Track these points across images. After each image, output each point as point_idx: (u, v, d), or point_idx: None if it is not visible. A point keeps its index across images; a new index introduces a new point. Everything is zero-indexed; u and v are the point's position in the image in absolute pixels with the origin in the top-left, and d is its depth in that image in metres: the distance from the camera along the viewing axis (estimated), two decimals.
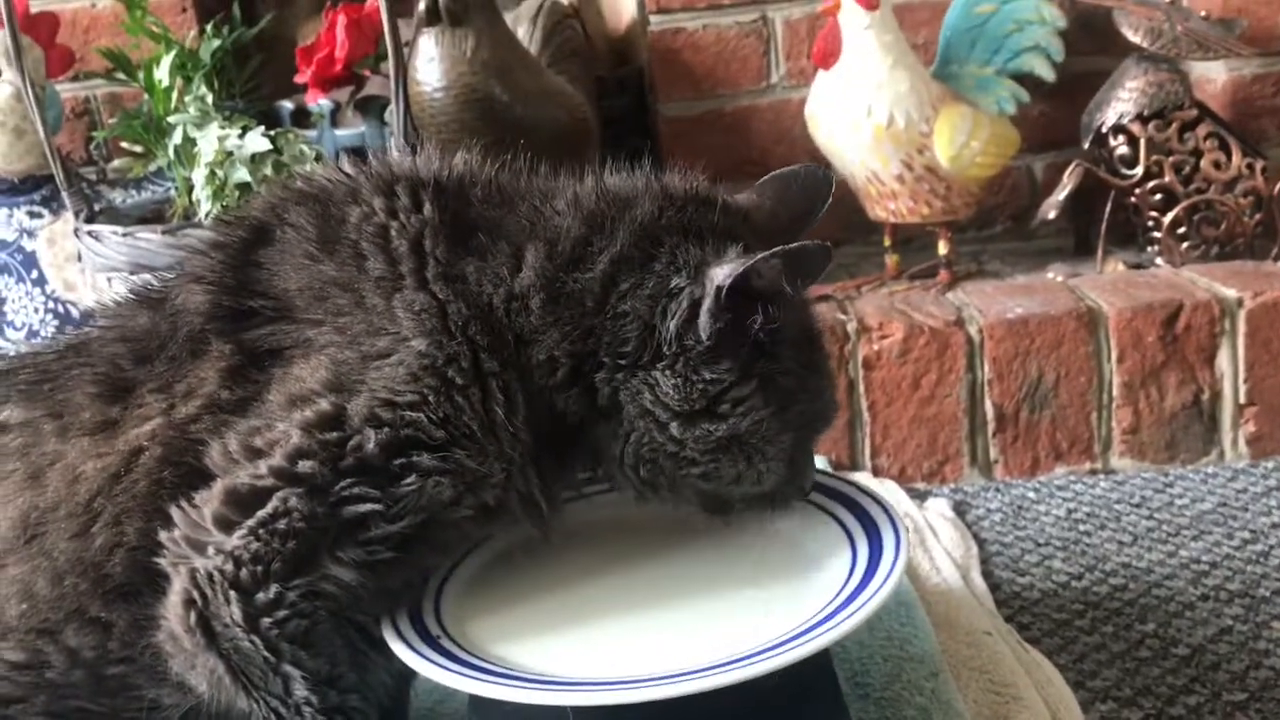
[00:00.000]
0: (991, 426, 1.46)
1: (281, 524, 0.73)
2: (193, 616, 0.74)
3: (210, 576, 0.73)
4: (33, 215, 1.78)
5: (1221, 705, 1.02)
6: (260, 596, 0.73)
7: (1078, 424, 1.46)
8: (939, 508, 1.39)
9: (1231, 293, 1.46)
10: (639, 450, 0.81)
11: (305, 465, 0.74)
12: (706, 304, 0.77)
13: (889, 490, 1.43)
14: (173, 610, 0.75)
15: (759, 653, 0.72)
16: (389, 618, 0.81)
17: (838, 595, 0.77)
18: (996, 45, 1.82)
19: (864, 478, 1.46)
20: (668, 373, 0.78)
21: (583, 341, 0.79)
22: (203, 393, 0.77)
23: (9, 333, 1.78)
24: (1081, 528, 1.33)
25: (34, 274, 1.78)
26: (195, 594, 0.74)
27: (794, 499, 0.86)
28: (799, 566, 0.84)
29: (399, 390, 0.75)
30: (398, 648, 0.77)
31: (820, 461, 1.44)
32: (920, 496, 1.44)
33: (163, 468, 0.76)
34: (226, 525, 0.74)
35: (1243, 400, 1.46)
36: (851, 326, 1.47)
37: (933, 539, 1.30)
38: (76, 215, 1.65)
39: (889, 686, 0.96)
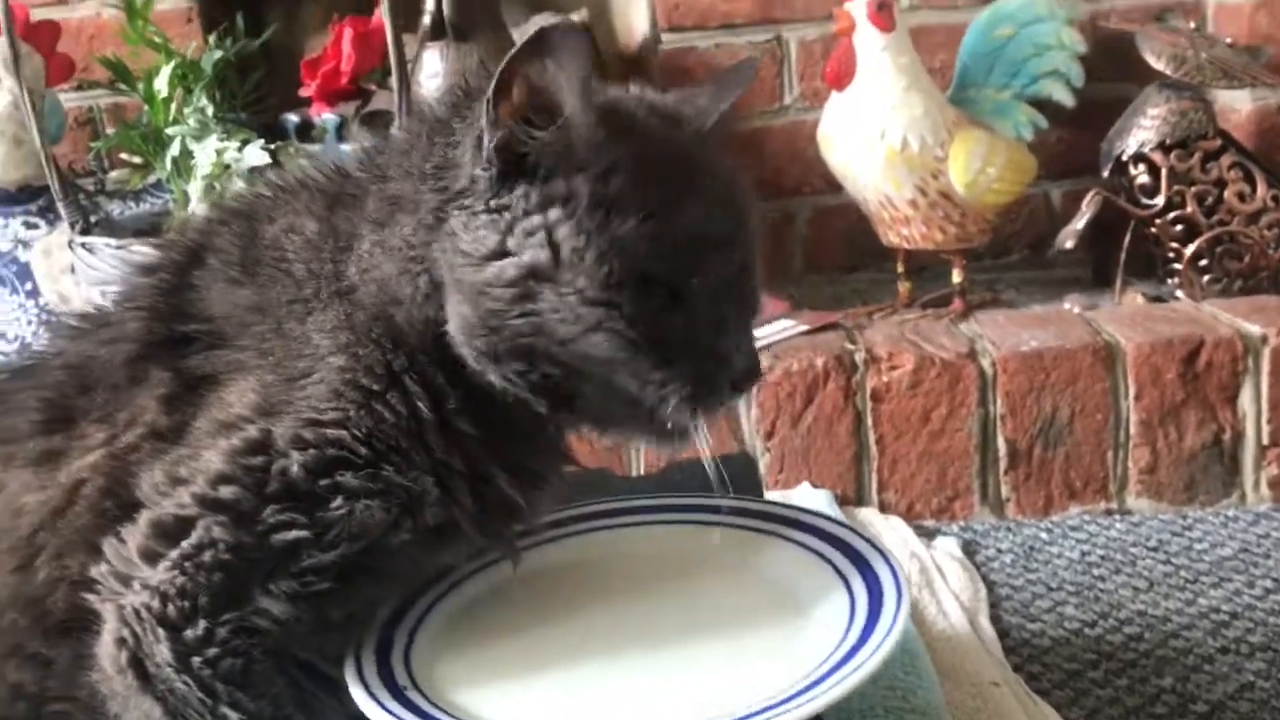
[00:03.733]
0: (1004, 463, 1.42)
1: (207, 555, 0.70)
2: (124, 656, 0.71)
3: (138, 613, 0.70)
4: (28, 226, 1.75)
5: None
6: (189, 634, 0.70)
7: (1093, 462, 1.41)
8: (947, 547, 1.34)
9: (1255, 329, 1.41)
10: (460, 317, 0.72)
11: (228, 491, 0.71)
12: (482, 122, 0.71)
13: (895, 527, 1.39)
14: (105, 650, 0.71)
15: (751, 715, 0.67)
16: (353, 662, 0.77)
17: (836, 650, 0.73)
18: (1015, 69, 1.77)
19: (870, 514, 1.41)
20: (460, 214, 0.72)
21: (425, 250, 0.74)
22: (143, 421, 0.75)
23: (1, 344, 1.75)
24: (1095, 571, 1.28)
25: (28, 285, 1.75)
26: (125, 633, 0.70)
27: (710, 381, 0.73)
28: (791, 616, 0.80)
29: (321, 409, 0.73)
30: (360, 698, 0.73)
31: (825, 497, 1.40)
32: (928, 535, 1.39)
33: (104, 499, 0.73)
34: (152, 558, 0.71)
35: (1266, 441, 1.41)
36: (860, 357, 1.42)
37: (940, 581, 1.25)
38: (72, 227, 1.62)
39: None
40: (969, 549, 1.35)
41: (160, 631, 0.70)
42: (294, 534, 0.71)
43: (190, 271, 0.79)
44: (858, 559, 0.82)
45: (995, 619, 1.20)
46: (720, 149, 0.79)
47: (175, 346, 0.77)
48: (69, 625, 0.73)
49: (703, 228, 0.72)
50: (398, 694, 0.73)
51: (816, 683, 0.70)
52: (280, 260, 0.77)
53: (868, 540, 0.83)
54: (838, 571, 0.82)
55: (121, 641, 0.71)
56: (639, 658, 0.78)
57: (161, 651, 0.70)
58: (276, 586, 0.71)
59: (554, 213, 0.70)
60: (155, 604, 0.70)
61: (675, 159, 0.74)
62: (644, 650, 0.78)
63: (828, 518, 0.88)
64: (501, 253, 0.71)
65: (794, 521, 0.88)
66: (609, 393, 0.74)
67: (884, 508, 1.43)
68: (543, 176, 0.71)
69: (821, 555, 0.84)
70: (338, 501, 0.72)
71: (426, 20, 1.66)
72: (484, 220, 0.71)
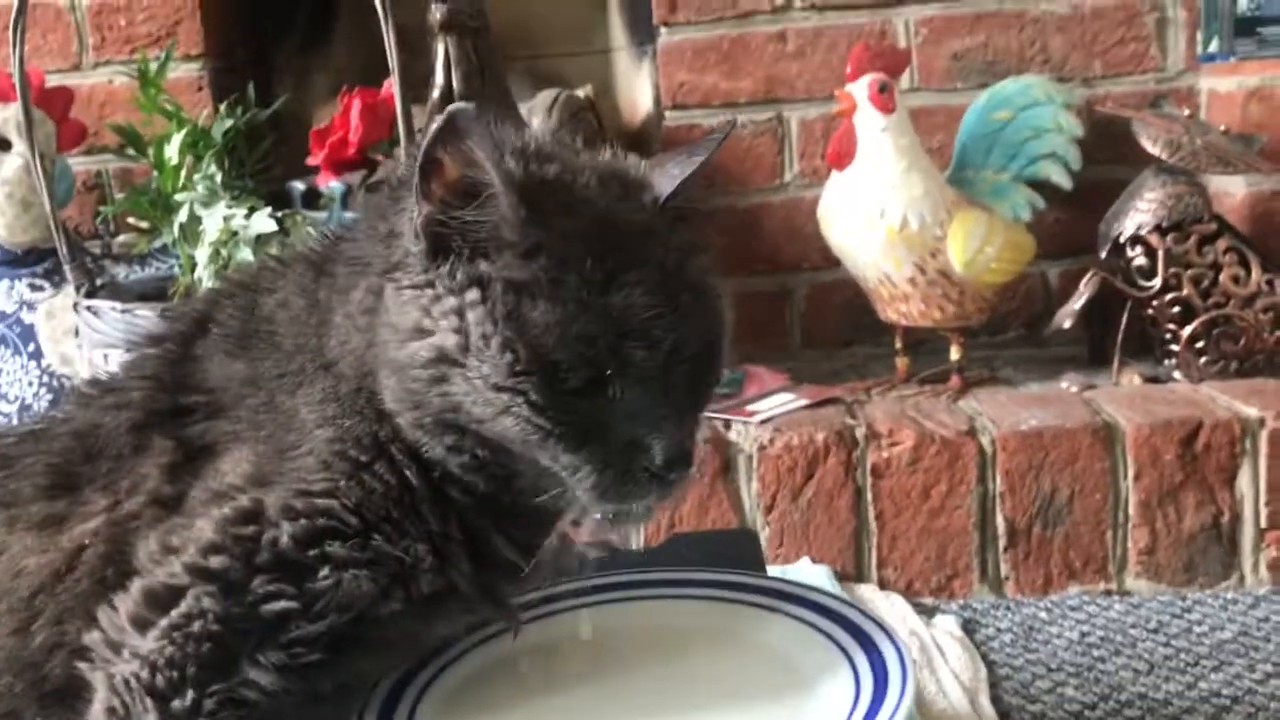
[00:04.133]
0: (1003, 541, 1.42)
1: (196, 626, 0.70)
2: None
3: (127, 683, 0.70)
4: (34, 288, 1.76)
5: None
6: (177, 704, 0.70)
7: (1092, 542, 1.41)
8: (947, 626, 1.33)
9: (1253, 412, 1.43)
10: (390, 389, 0.72)
11: (217, 561, 0.71)
12: (412, 197, 0.70)
13: (895, 604, 1.38)
14: None
15: None
16: None
17: None
18: (1013, 151, 1.80)
19: (869, 590, 1.41)
20: (391, 287, 0.72)
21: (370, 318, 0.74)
22: (145, 489, 0.75)
23: (2, 405, 1.75)
24: (1095, 653, 1.28)
25: (31, 347, 1.75)
26: (115, 702, 0.70)
27: (651, 475, 0.70)
28: (795, 693, 0.79)
29: (311, 480, 0.73)
30: None
31: (824, 573, 1.40)
32: (928, 612, 1.38)
33: (105, 565, 0.74)
34: (142, 626, 0.71)
35: (1264, 524, 1.41)
36: (861, 432, 1.43)
37: (940, 659, 1.25)
38: (77, 289, 1.63)
39: None
40: (969, 628, 1.35)
41: (149, 701, 0.69)
42: (282, 604, 0.71)
43: (194, 342, 0.81)
44: (862, 637, 0.82)
45: (996, 699, 1.20)
46: (675, 220, 0.75)
47: (178, 416, 0.78)
48: (65, 694, 0.73)
49: (627, 316, 0.69)
50: None
51: None
52: (272, 334, 0.78)
53: (873, 619, 0.83)
54: (842, 650, 0.81)
55: (111, 711, 0.70)
56: None
57: None
58: (265, 658, 0.71)
59: (470, 295, 0.70)
60: (144, 674, 0.70)
61: (610, 241, 0.71)
62: None
63: (833, 595, 0.88)
64: (420, 331, 0.71)
65: (799, 598, 0.88)
66: (541, 471, 0.72)
67: (883, 584, 1.43)
68: (468, 257, 0.70)
69: (826, 633, 0.84)
70: (325, 571, 0.72)
71: (435, 93, 1.68)
72: (409, 296, 0.71)
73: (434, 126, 0.67)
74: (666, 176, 0.77)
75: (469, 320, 0.69)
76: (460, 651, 0.86)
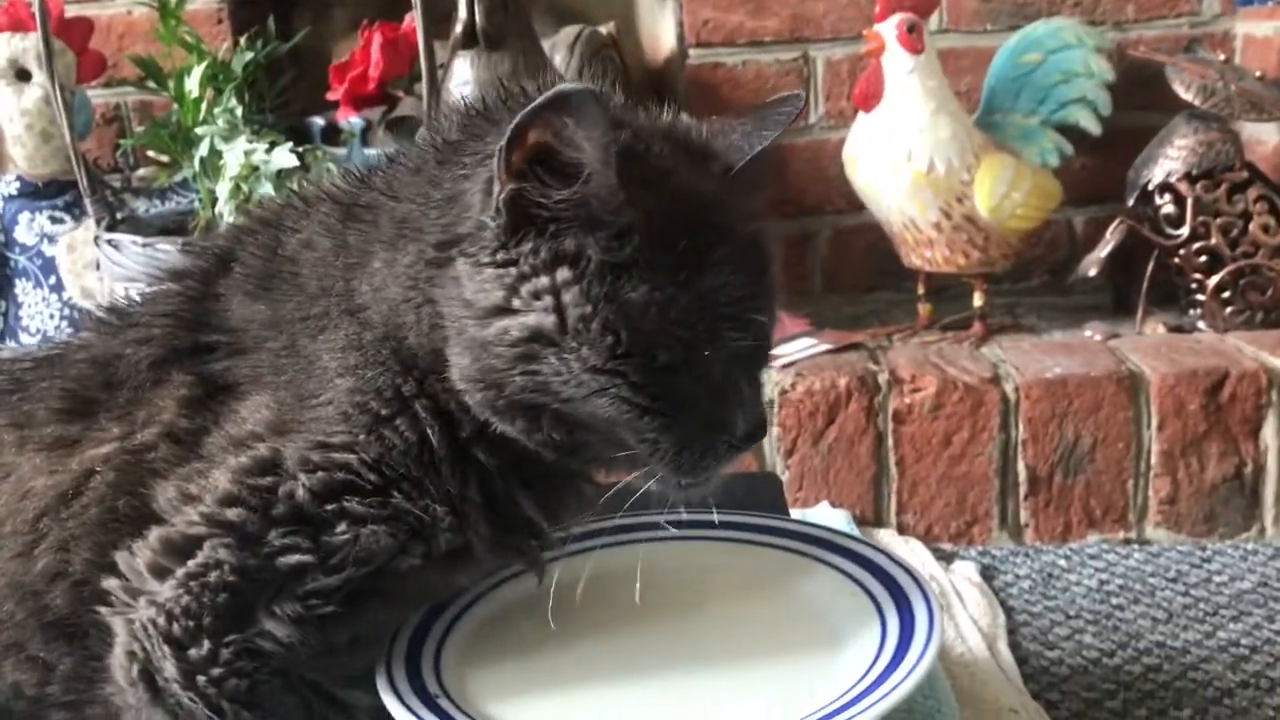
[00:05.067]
0: (1023, 489, 1.41)
1: (212, 576, 0.69)
2: (135, 670, 0.70)
3: (146, 629, 0.70)
4: (54, 220, 1.76)
5: None
6: (194, 652, 0.69)
7: (1113, 491, 1.41)
8: (966, 572, 1.33)
9: None
10: (462, 367, 0.69)
11: (234, 513, 0.70)
12: (495, 170, 0.67)
13: (914, 550, 1.38)
14: (117, 663, 0.71)
15: None
16: (384, 670, 0.76)
17: (865, 676, 0.73)
18: (1042, 96, 1.78)
19: (888, 535, 1.41)
20: (465, 262, 0.68)
21: (428, 285, 0.71)
22: (161, 420, 0.74)
23: (23, 337, 1.75)
24: (1114, 601, 1.28)
25: (52, 279, 1.75)
26: (135, 646, 0.70)
27: (717, 445, 0.71)
28: (823, 640, 0.79)
29: (330, 432, 0.72)
30: (391, 705, 0.72)
31: (843, 517, 1.40)
32: (946, 558, 1.39)
33: (116, 495, 0.73)
34: (160, 574, 0.70)
35: None
36: (883, 378, 1.42)
37: (959, 605, 1.25)
38: (98, 223, 1.62)
39: None
40: (987, 574, 1.35)
41: (166, 649, 0.69)
42: (298, 557, 0.70)
43: (217, 279, 0.79)
44: (891, 584, 0.81)
45: (1014, 645, 1.20)
46: (750, 191, 0.74)
47: (198, 353, 0.77)
48: (69, 629, 0.72)
49: (719, 296, 0.68)
50: (429, 702, 0.73)
51: (843, 709, 0.70)
52: (295, 275, 0.76)
53: (901, 564, 0.83)
54: (870, 596, 0.81)
55: (132, 655, 0.70)
56: (672, 673, 0.77)
57: (168, 668, 0.69)
58: (281, 609, 0.70)
59: (562, 274, 0.67)
60: (161, 621, 0.69)
61: (698, 217, 0.68)
62: (670, 668, 0.78)
63: (862, 540, 0.87)
64: (506, 310, 0.68)
65: (824, 541, 0.88)
66: (612, 444, 0.71)
67: (902, 529, 1.43)
68: (553, 234, 0.67)
69: (853, 578, 0.83)
70: (343, 526, 0.71)
71: (458, 29, 1.66)
72: (489, 274, 0.68)
73: (536, 102, 0.64)
74: (733, 147, 0.74)
75: (565, 301, 0.67)
76: (484, 591, 0.86)
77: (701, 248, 0.68)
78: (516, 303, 0.67)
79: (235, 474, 0.71)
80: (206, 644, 0.70)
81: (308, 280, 0.76)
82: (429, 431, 0.72)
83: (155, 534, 0.71)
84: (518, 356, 0.67)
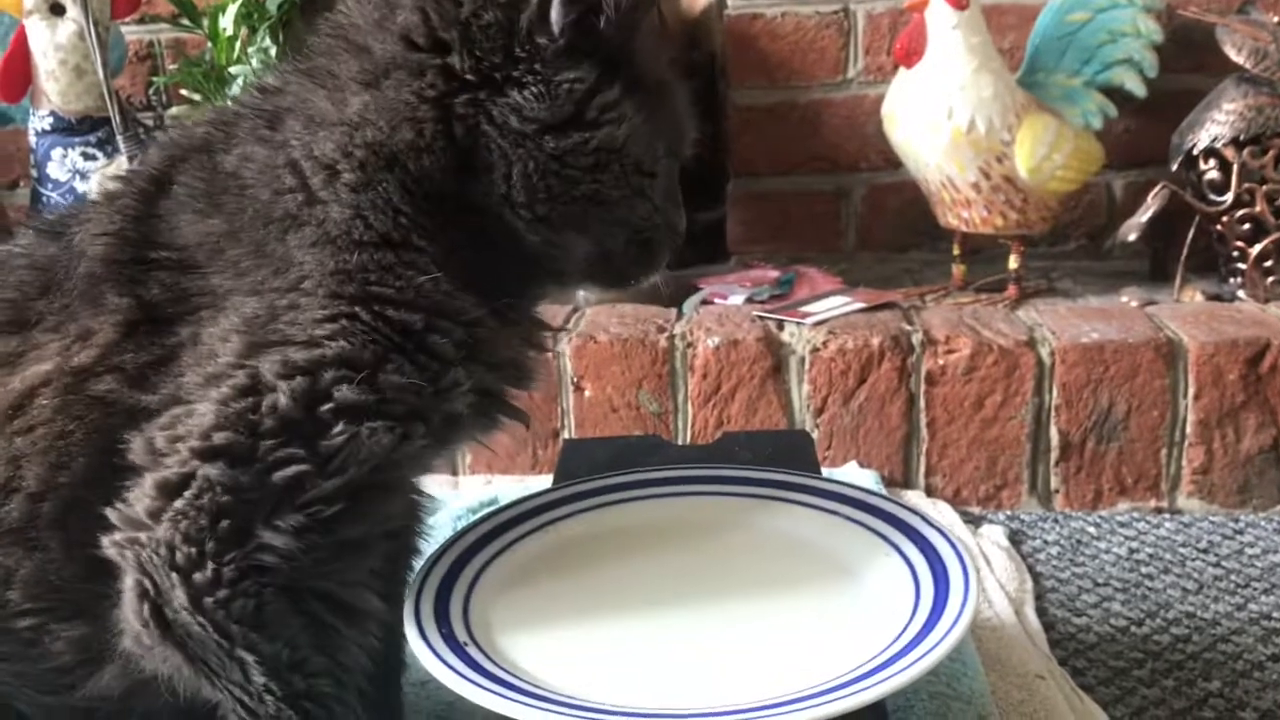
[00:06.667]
0: (1055, 454, 1.40)
1: (206, 499, 0.70)
2: (146, 608, 0.71)
3: (152, 561, 0.70)
4: (87, 157, 1.75)
5: None
6: (198, 576, 0.70)
7: (1145, 459, 1.39)
8: (994, 536, 1.32)
9: None
10: (526, 181, 0.77)
11: (220, 437, 0.70)
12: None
13: (942, 512, 1.38)
14: (129, 607, 0.72)
15: (812, 696, 0.66)
16: (414, 619, 0.76)
17: (899, 638, 0.72)
18: (1087, 56, 1.74)
19: (916, 496, 1.40)
20: (529, 82, 0.76)
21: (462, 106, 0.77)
22: (97, 342, 0.74)
23: None
24: (1144, 569, 1.27)
25: None
26: (147, 583, 0.71)
27: (671, 244, 0.84)
28: (858, 601, 0.79)
29: (317, 320, 0.72)
30: (422, 654, 0.72)
31: (871, 478, 1.39)
32: (974, 521, 1.38)
33: (65, 421, 0.73)
34: (157, 515, 0.71)
35: None
36: (917, 338, 1.41)
37: (986, 569, 1.24)
38: (131, 161, 1.62)
39: None
40: (1015, 538, 1.34)
41: (174, 576, 0.70)
42: (294, 469, 0.70)
43: (156, 201, 0.79)
44: (925, 546, 0.81)
45: (1041, 611, 1.19)
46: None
47: (138, 268, 0.76)
48: (26, 538, 0.73)
49: (685, 110, 0.84)
50: (459, 650, 0.73)
51: (876, 670, 0.69)
52: (244, 188, 0.77)
53: (937, 528, 0.82)
54: (904, 558, 0.81)
55: (143, 593, 0.71)
56: (704, 630, 0.77)
57: (178, 595, 0.70)
58: (283, 522, 0.70)
59: (617, 89, 0.77)
60: (164, 552, 0.70)
61: (661, 42, 0.86)
62: (710, 623, 0.78)
63: (896, 501, 0.87)
64: (580, 123, 0.76)
65: (861, 503, 0.87)
66: (598, 246, 0.81)
67: (930, 491, 1.42)
68: (608, 57, 0.76)
69: (887, 539, 0.83)
70: (339, 427, 0.71)
71: None
72: (562, 90, 0.75)
73: None
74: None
75: (625, 111, 0.77)
76: (510, 542, 0.86)
77: (672, 72, 0.84)
78: (590, 115, 0.76)
79: (218, 404, 0.71)
80: (210, 565, 0.70)
81: (259, 190, 0.76)
82: (426, 264, 0.75)
83: (149, 480, 0.71)
84: (592, 165, 0.77)
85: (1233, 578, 1.25)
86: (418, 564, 0.86)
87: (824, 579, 0.82)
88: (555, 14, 0.75)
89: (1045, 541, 1.34)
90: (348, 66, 0.78)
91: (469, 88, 0.76)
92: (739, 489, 0.92)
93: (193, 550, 0.70)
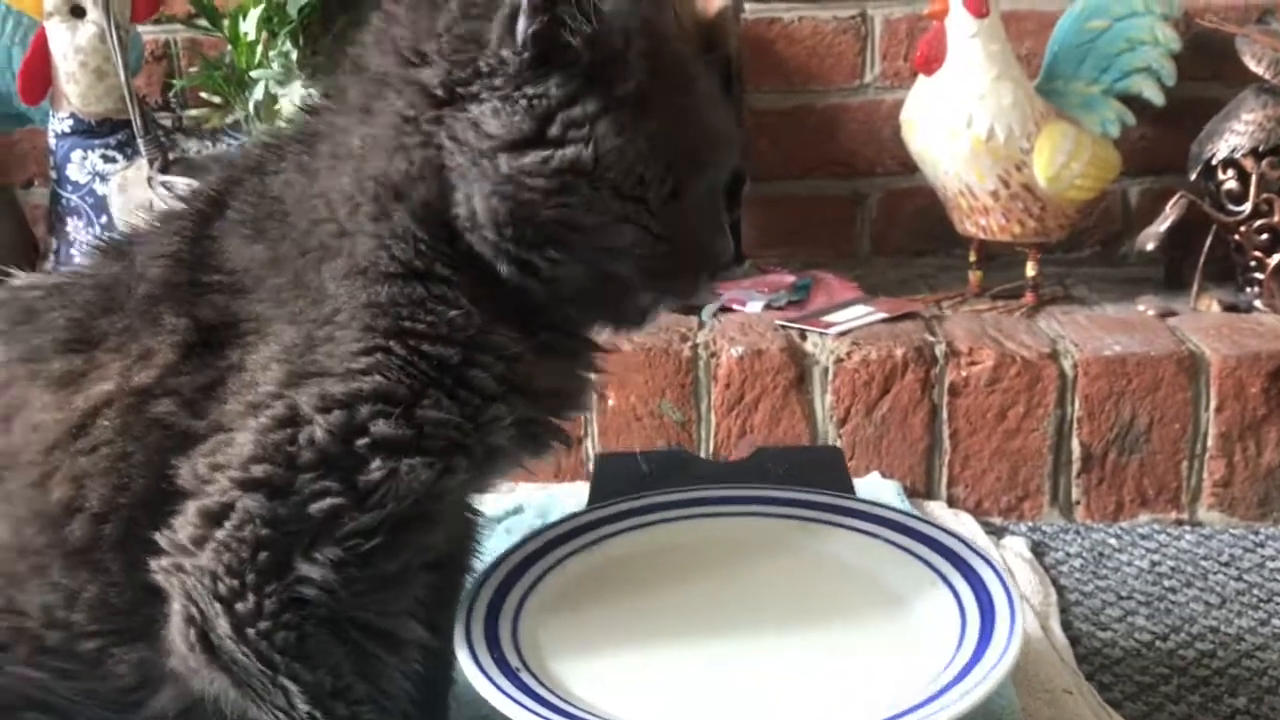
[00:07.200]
0: (1076, 466, 1.41)
1: (247, 531, 0.71)
2: (193, 633, 0.72)
3: (197, 590, 0.72)
4: (106, 159, 1.74)
5: None
6: (240, 607, 0.71)
7: (1166, 471, 1.40)
8: (1017, 548, 1.33)
9: None
10: (484, 203, 0.72)
11: (259, 469, 0.71)
12: (520, 4, 0.69)
13: (965, 524, 1.38)
14: (176, 629, 0.73)
15: None
16: (465, 643, 0.77)
17: (945, 670, 0.73)
18: (1106, 64, 1.75)
19: (938, 507, 1.41)
20: (490, 98, 0.71)
21: (432, 127, 0.73)
22: (157, 363, 0.75)
23: None
24: (1166, 583, 1.28)
25: (103, 219, 1.74)
26: (193, 610, 0.72)
27: (702, 272, 0.78)
28: (905, 628, 0.79)
29: (352, 353, 0.72)
30: (476, 680, 0.73)
31: (894, 488, 1.40)
32: (996, 532, 1.39)
33: (126, 442, 0.74)
34: (200, 543, 0.72)
35: None
36: (940, 350, 1.41)
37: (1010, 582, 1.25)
38: (151, 164, 1.62)
39: None
40: (1037, 550, 1.35)
41: (218, 606, 0.71)
42: (330, 501, 0.71)
43: (211, 223, 0.79)
44: (964, 568, 0.81)
45: (1066, 624, 1.20)
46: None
47: (195, 290, 0.77)
48: (90, 559, 0.74)
49: (716, 125, 0.77)
50: (513, 676, 0.74)
51: (922, 704, 0.70)
52: (285, 215, 0.77)
53: (987, 560, 0.83)
54: (948, 584, 0.81)
55: (190, 619, 0.72)
56: (752, 658, 0.78)
57: (221, 624, 0.71)
58: (321, 554, 0.71)
59: (591, 105, 0.71)
60: (207, 581, 0.71)
61: (685, 53, 0.76)
62: (758, 650, 0.78)
63: (940, 526, 0.87)
64: (541, 141, 0.71)
65: (904, 527, 0.88)
66: (594, 278, 0.76)
67: (952, 502, 1.43)
68: (581, 69, 0.71)
69: (931, 565, 0.84)
70: (377, 462, 0.71)
71: None
72: (521, 106, 0.71)
73: None
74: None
75: (598, 131, 0.71)
76: (554, 564, 0.87)
77: (693, 83, 0.76)
78: (553, 132, 0.71)
79: (257, 434, 0.72)
80: (251, 597, 0.71)
81: (298, 218, 0.77)
82: (457, 298, 0.73)
83: (191, 508, 0.72)
84: (553, 188, 0.71)
85: (1255, 592, 1.26)
86: (468, 581, 0.87)
87: (870, 605, 0.82)
88: (520, 24, 0.70)
89: (1067, 554, 1.35)
90: (355, 89, 0.77)
91: (438, 104, 0.73)
92: (782, 510, 0.93)
93: (235, 582, 0.71)
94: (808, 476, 1.04)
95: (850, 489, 1.04)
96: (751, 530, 0.91)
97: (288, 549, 0.71)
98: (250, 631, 0.71)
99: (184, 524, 0.72)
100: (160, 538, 0.73)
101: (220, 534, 0.71)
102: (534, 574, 0.86)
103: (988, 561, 0.83)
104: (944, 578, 0.82)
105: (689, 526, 0.91)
